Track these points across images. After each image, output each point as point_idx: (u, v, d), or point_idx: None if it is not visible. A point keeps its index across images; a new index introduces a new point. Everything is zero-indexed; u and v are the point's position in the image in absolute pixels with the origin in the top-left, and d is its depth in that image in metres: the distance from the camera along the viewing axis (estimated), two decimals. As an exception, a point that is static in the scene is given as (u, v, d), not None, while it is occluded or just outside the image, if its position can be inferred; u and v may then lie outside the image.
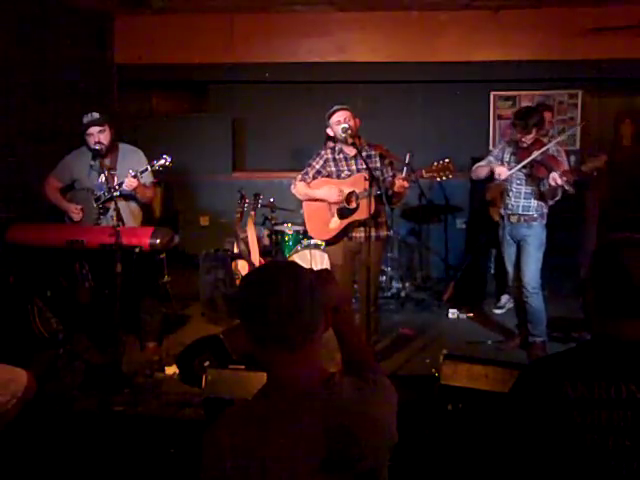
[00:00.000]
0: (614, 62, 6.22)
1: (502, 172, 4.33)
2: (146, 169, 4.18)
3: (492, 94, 6.79)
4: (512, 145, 4.45)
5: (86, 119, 4.27)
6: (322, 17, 6.50)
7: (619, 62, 6.21)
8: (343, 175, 4.13)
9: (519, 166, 4.28)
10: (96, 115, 4.25)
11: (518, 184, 4.37)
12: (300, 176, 4.22)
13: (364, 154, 4.03)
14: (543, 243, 4.39)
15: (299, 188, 4.21)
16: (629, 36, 6.08)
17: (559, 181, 4.06)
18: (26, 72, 5.30)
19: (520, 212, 4.37)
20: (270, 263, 1.52)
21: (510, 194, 4.41)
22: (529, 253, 4.37)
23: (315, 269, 1.60)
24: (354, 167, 4.11)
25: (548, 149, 4.23)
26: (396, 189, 3.95)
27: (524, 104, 6.58)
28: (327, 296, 1.53)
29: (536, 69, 6.40)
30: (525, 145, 4.27)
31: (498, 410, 1.59)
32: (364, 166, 3.94)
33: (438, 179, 3.90)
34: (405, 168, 5.53)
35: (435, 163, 3.86)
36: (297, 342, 1.36)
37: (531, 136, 4.24)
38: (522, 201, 4.37)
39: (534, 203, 4.35)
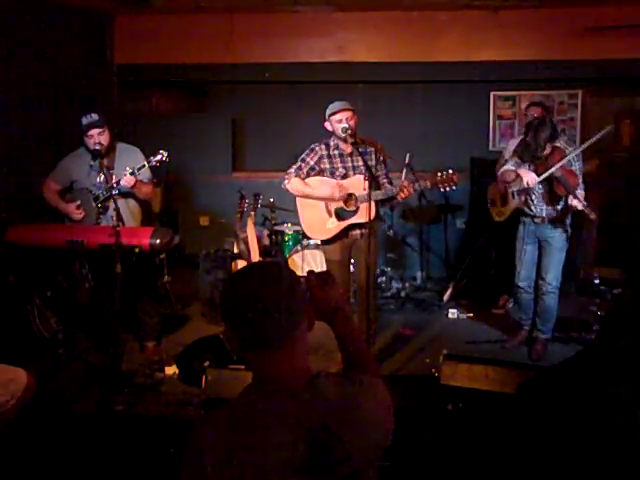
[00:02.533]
0: (614, 62, 6.22)
1: (531, 180, 4.16)
2: (143, 166, 4.17)
3: (492, 94, 6.79)
4: (529, 150, 4.17)
5: (86, 120, 4.25)
6: (322, 17, 6.50)
7: (619, 62, 6.21)
8: (337, 173, 4.04)
9: (541, 177, 4.14)
10: (95, 117, 4.24)
11: (542, 187, 4.28)
12: (293, 171, 4.08)
13: (361, 150, 3.97)
14: (566, 244, 4.36)
15: (295, 184, 4.06)
16: (629, 36, 6.07)
17: (579, 207, 3.96)
18: (26, 72, 5.29)
19: (544, 215, 4.33)
20: (251, 264, 1.53)
21: (534, 198, 4.34)
22: (552, 254, 4.35)
23: (317, 271, 1.61)
24: (349, 164, 4.04)
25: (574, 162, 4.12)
26: (399, 198, 3.90)
27: (524, 104, 6.58)
28: (327, 297, 1.54)
29: (536, 69, 6.39)
30: (542, 157, 4.12)
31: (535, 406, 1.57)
32: (360, 163, 3.91)
33: (442, 189, 3.87)
34: (405, 169, 5.55)
35: (439, 174, 3.84)
36: (276, 341, 1.37)
37: (547, 151, 4.10)
38: (547, 203, 4.31)
39: (559, 206, 4.28)
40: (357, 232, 4.07)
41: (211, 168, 6.75)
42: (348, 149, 4.04)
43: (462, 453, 2.91)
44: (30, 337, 4.22)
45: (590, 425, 1.43)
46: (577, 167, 4.18)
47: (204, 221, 6.88)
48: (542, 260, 4.42)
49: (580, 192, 4.11)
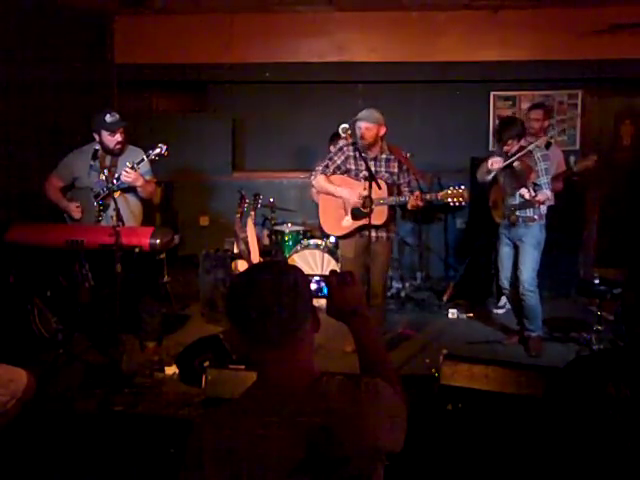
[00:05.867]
0: (614, 62, 6.22)
1: (495, 162, 4.38)
2: (142, 159, 4.17)
3: (492, 94, 6.79)
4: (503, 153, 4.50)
5: (111, 119, 4.23)
6: (322, 17, 6.50)
7: (619, 62, 6.21)
8: (361, 175, 4.22)
9: (505, 163, 4.33)
10: (118, 116, 4.25)
11: (513, 188, 4.41)
12: (321, 168, 4.32)
13: (383, 157, 4.24)
14: (540, 243, 4.44)
15: (320, 181, 4.31)
16: (629, 36, 6.08)
17: (526, 196, 4.16)
18: (26, 72, 5.29)
19: (517, 214, 4.43)
20: (257, 263, 1.53)
21: (507, 197, 4.47)
22: (526, 252, 4.43)
23: (339, 272, 1.61)
24: (373, 168, 4.17)
25: (530, 153, 4.29)
26: (409, 207, 4.13)
27: (524, 104, 6.58)
28: (346, 298, 1.55)
29: (536, 69, 6.39)
30: (510, 153, 4.35)
31: (537, 408, 1.57)
32: (382, 169, 4.21)
33: (451, 204, 4.13)
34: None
35: (451, 188, 4.11)
36: (278, 339, 1.37)
37: (508, 147, 4.34)
38: (518, 203, 4.40)
39: (529, 205, 4.38)
40: (373, 234, 4.16)
41: (211, 168, 6.75)
42: (372, 154, 4.24)
43: (462, 453, 2.91)
44: (30, 337, 4.22)
45: (589, 427, 1.42)
46: (542, 167, 4.33)
47: (204, 221, 6.87)
48: (517, 260, 4.51)
49: (546, 192, 4.24)
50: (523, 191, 4.17)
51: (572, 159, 6.15)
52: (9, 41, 5.13)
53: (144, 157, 4.17)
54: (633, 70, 6.23)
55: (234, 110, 6.96)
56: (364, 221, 4.15)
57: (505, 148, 4.35)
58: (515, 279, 4.53)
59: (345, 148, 4.32)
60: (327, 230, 4.54)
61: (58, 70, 5.64)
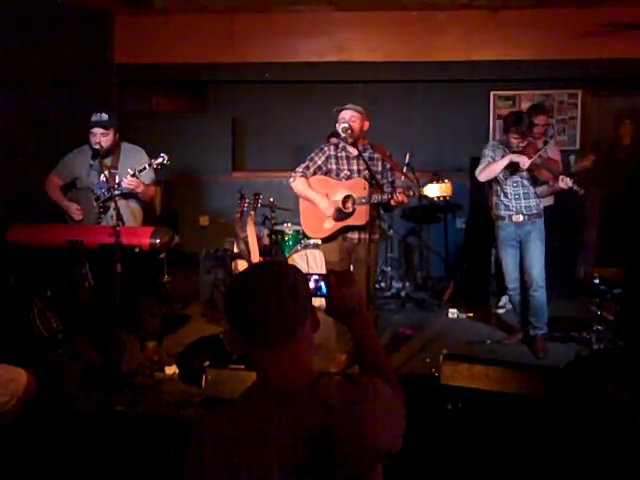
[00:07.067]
0: (614, 62, 6.22)
1: (526, 161, 4.30)
2: (144, 168, 4.16)
3: (492, 94, 6.79)
4: (502, 147, 4.48)
5: (93, 117, 4.23)
6: (322, 17, 6.50)
7: (619, 62, 6.21)
8: (342, 175, 4.08)
9: (533, 158, 4.31)
10: (105, 117, 4.23)
11: (515, 186, 4.45)
12: (301, 170, 4.13)
13: (366, 155, 4.03)
14: (544, 236, 4.49)
15: (298, 184, 4.13)
16: (629, 36, 6.08)
17: (569, 183, 4.16)
18: (26, 72, 5.29)
19: (524, 212, 4.44)
20: (257, 263, 1.52)
21: (508, 196, 4.47)
22: (536, 247, 4.45)
23: (338, 271, 1.60)
24: (355, 167, 4.07)
25: (546, 151, 4.40)
26: (393, 203, 3.94)
27: (524, 104, 6.59)
28: (344, 297, 1.55)
29: (536, 69, 6.40)
30: (520, 149, 4.35)
31: (537, 408, 1.57)
32: (363, 167, 3.97)
33: (435, 199, 3.96)
34: (405, 168, 5.56)
35: (434, 183, 3.91)
36: (278, 341, 1.37)
37: (524, 141, 4.35)
38: (523, 201, 4.45)
39: (534, 202, 4.45)
40: (355, 236, 4.08)
41: (211, 168, 6.75)
42: (354, 152, 4.07)
43: (462, 453, 2.91)
44: (30, 337, 4.22)
45: (588, 427, 1.43)
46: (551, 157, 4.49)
47: (204, 221, 6.88)
48: (525, 257, 4.50)
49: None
50: (566, 179, 4.19)
51: (572, 158, 6.17)
52: (9, 41, 5.13)
53: (146, 166, 4.17)
54: (633, 70, 6.23)
55: (234, 110, 6.96)
56: (347, 222, 4.03)
57: (522, 144, 4.33)
58: (522, 275, 4.52)
59: (326, 148, 4.15)
60: (309, 233, 4.36)
61: (58, 70, 5.64)
